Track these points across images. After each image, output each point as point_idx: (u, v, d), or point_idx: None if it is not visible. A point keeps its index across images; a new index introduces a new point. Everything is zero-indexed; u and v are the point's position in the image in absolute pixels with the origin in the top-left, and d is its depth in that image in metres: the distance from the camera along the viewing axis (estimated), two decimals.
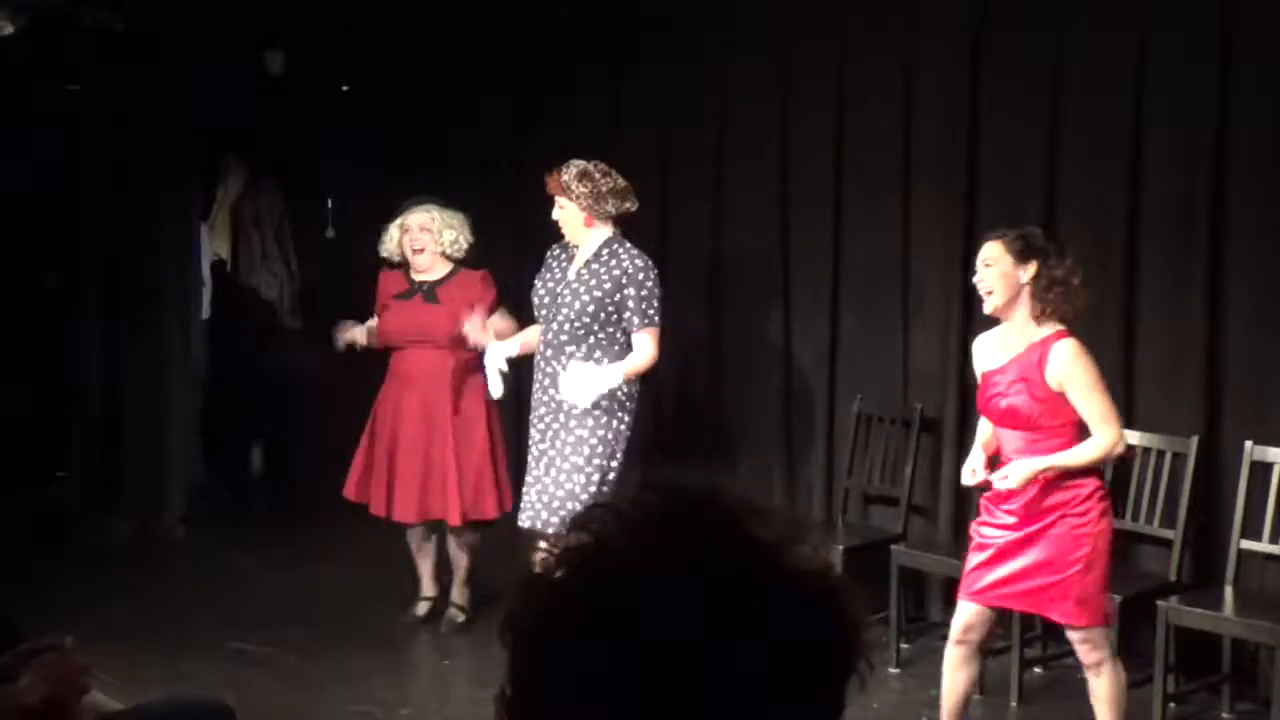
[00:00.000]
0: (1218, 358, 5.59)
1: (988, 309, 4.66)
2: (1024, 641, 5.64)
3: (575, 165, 5.69)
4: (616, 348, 5.62)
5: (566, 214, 5.69)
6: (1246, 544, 5.39)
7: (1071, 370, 4.50)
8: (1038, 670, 5.88)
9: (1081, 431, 4.58)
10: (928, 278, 6.40)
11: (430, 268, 6.35)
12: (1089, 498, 4.58)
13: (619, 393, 5.60)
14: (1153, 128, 5.69)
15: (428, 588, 6.61)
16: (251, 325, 9.34)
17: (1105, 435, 4.52)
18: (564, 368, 5.59)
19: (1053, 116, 5.94)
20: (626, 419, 5.65)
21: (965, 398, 6.28)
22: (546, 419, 5.69)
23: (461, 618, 6.47)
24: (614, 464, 5.62)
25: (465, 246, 6.36)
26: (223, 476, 9.14)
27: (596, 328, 5.61)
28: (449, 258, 6.36)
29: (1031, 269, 4.55)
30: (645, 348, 5.61)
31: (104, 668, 4.23)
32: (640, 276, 5.61)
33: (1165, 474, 5.63)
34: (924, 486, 6.44)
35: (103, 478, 8.03)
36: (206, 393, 9.01)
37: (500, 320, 6.27)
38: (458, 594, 6.51)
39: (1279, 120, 5.42)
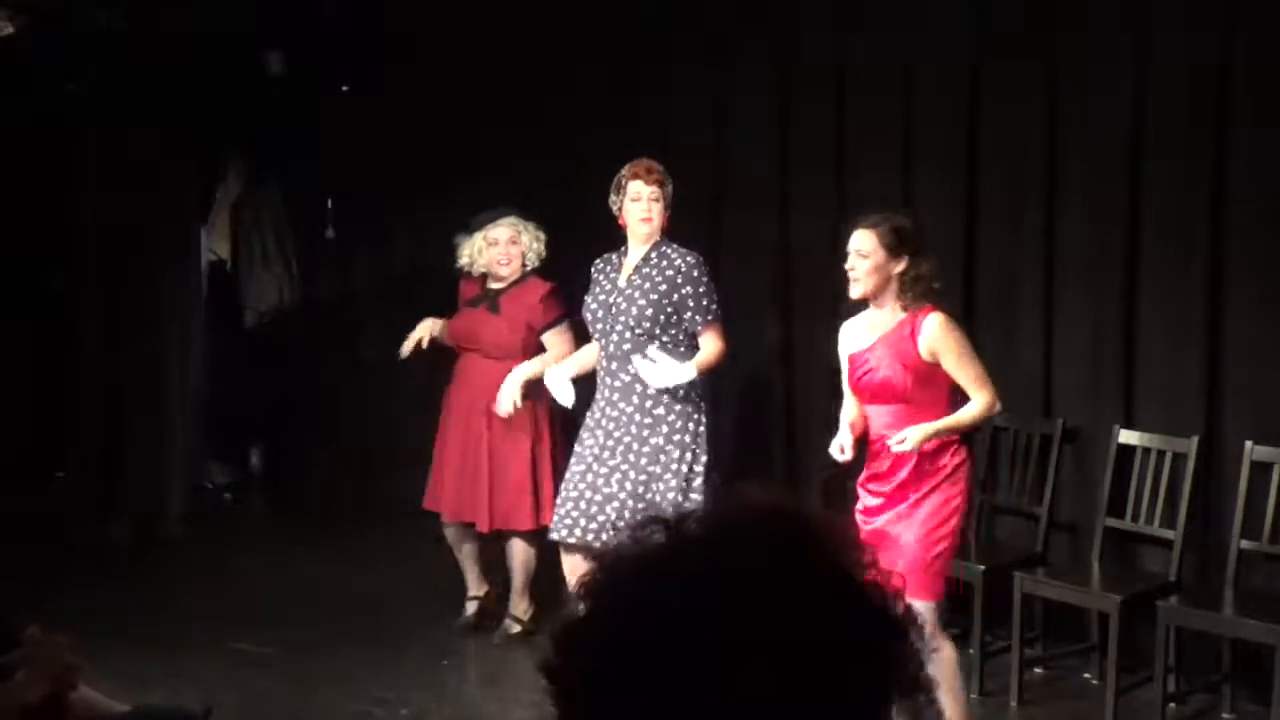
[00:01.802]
0: (1218, 358, 5.58)
1: (853, 294, 4.85)
2: (1024, 641, 5.64)
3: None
4: (682, 350, 5.55)
5: (660, 207, 5.63)
6: (1246, 544, 5.38)
7: (944, 339, 4.72)
8: (1038, 670, 5.88)
9: (953, 403, 4.79)
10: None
11: (509, 278, 6.32)
12: (958, 468, 4.77)
13: (693, 393, 5.51)
14: (1153, 128, 5.69)
15: (474, 587, 6.53)
16: (251, 325, 9.36)
17: (983, 396, 4.74)
18: (631, 378, 5.53)
19: (1053, 116, 5.94)
20: (701, 419, 5.56)
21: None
22: (615, 434, 5.56)
23: (516, 629, 6.33)
24: (698, 467, 5.52)
25: (544, 257, 6.34)
26: (223, 476, 9.14)
27: (658, 331, 5.53)
28: (523, 266, 6.34)
29: (902, 264, 4.77)
30: (713, 342, 5.59)
31: (104, 668, 4.23)
32: (695, 274, 5.56)
33: (1165, 474, 5.62)
34: None
35: (103, 478, 8.03)
36: (206, 393, 9.01)
37: (555, 337, 6.24)
38: (515, 604, 6.38)
39: (1279, 120, 5.42)
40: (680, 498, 5.45)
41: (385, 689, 5.76)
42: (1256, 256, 5.50)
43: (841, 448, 4.91)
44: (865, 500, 4.86)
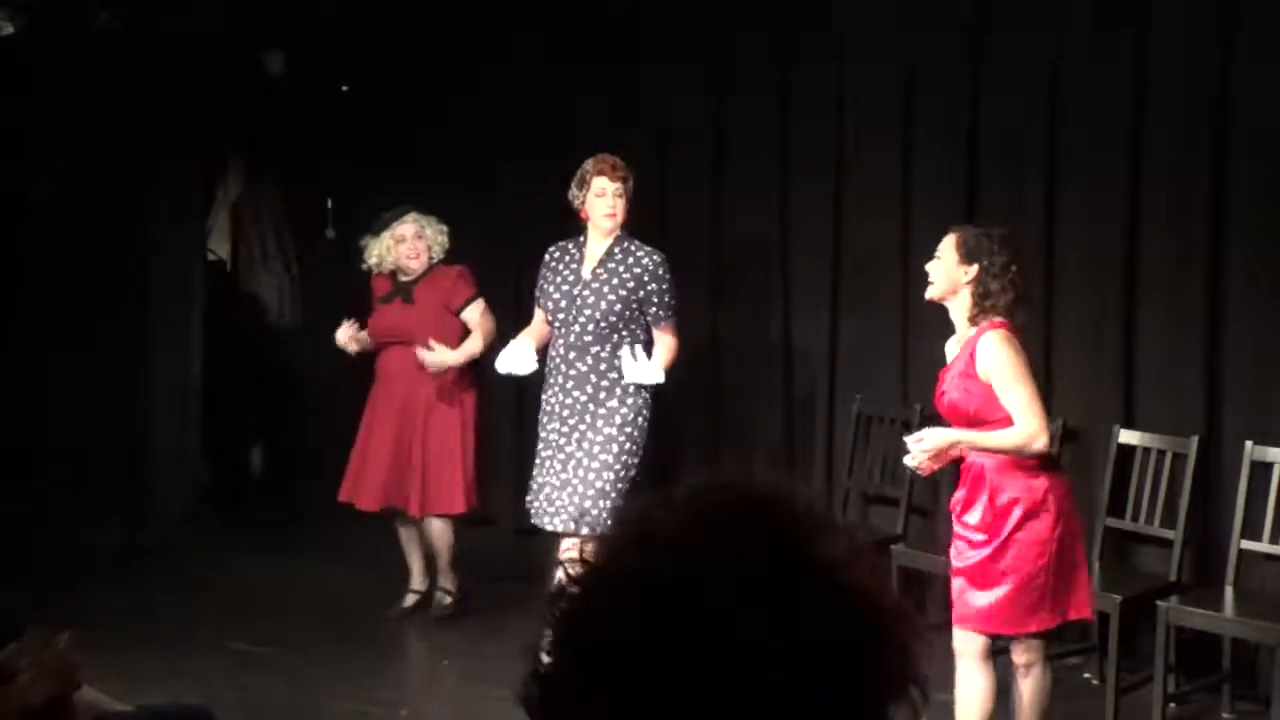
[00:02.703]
0: (1218, 358, 5.59)
1: (927, 295, 4.74)
2: None
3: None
4: (639, 345, 5.71)
5: (624, 201, 5.70)
6: (1246, 544, 5.38)
7: (997, 360, 4.49)
8: None
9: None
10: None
11: (417, 271, 6.53)
12: (1043, 499, 4.51)
13: (644, 391, 5.68)
14: (1153, 127, 5.69)
15: (416, 581, 6.71)
16: (251, 325, 9.35)
17: (1025, 425, 4.46)
18: (588, 368, 5.66)
19: (1053, 116, 5.94)
20: (647, 415, 5.72)
21: None
22: (570, 421, 5.70)
23: (448, 599, 6.59)
24: (635, 461, 5.70)
25: (447, 249, 6.56)
26: (222, 476, 9.13)
27: (620, 325, 5.67)
28: (430, 259, 6.56)
29: (972, 271, 4.58)
30: (670, 340, 5.78)
31: (104, 668, 4.23)
32: (660, 272, 5.70)
33: (1165, 474, 5.63)
34: (924, 486, 6.43)
35: (102, 478, 8.03)
36: (206, 393, 9.00)
37: (475, 314, 6.45)
38: (443, 579, 6.62)
39: (1279, 119, 5.42)
40: (622, 488, 5.58)
41: (385, 689, 5.76)
42: (1257, 256, 5.50)
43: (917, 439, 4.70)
44: (969, 534, 4.62)
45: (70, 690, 2.80)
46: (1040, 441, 4.49)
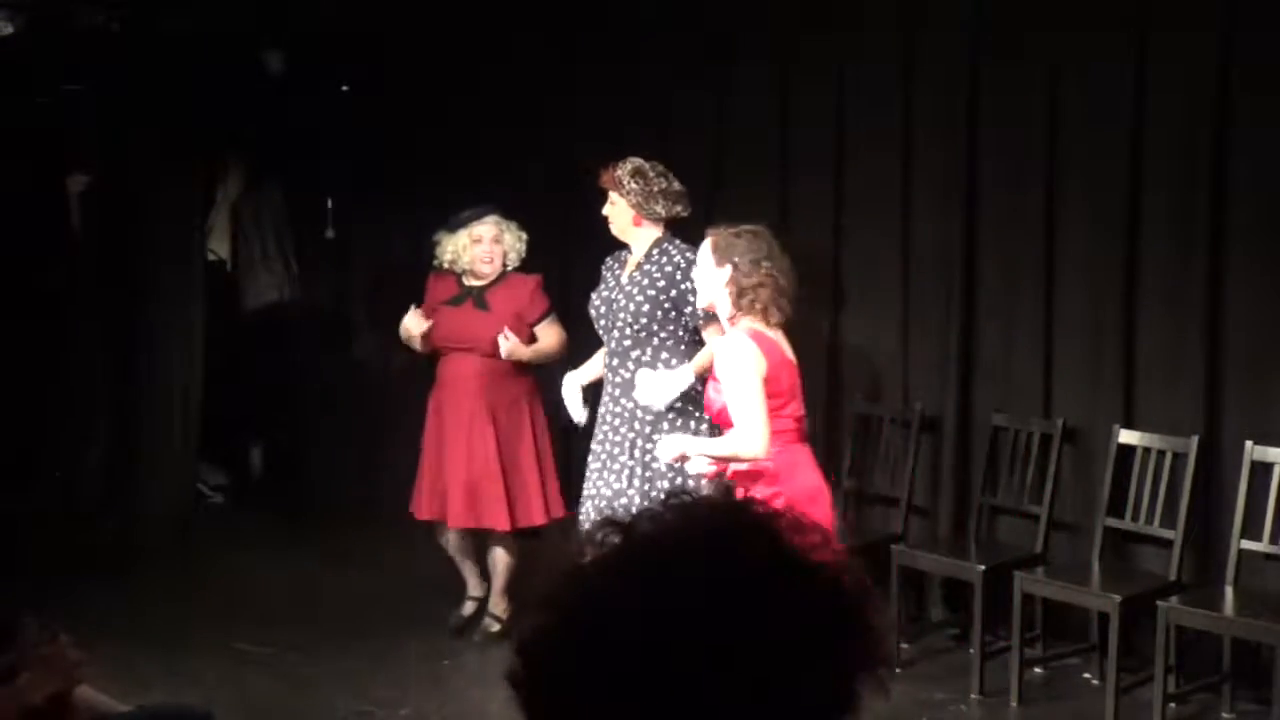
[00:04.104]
0: (1218, 358, 5.58)
1: (699, 305, 4.84)
2: (1024, 641, 5.64)
3: (631, 162, 5.65)
4: (683, 346, 5.56)
5: (616, 210, 5.62)
6: (1246, 544, 5.39)
7: (722, 364, 4.52)
8: (1038, 670, 5.88)
9: (786, 433, 4.55)
10: (928, 278, 6.40)
11: (490, 275, 6.30)
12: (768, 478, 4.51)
13: (692, 392, 5.43)
14: (1153, 127, 5.69)
15: (474, 587, 6.52)
16: (251, 325, 9.35)
17: (740, 433, 4.44)
18: (631, 374, 5.52)
19: (1053, 116, 5.94)
20: (702, 418, 5.46)
21: (965, 398, 6.29)
22: (621, 429, 5.55)
23: (496, 627, 6.34)
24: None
25: (523, 257, 6.34)
26: (223, 476, 9.13)
27: (656, 328, 5.54)
28: (504, 265, 6.33)
29: (726, 272, 4.61)
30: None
31: (104, 668, 4.23)
32: (693, 270, 5.52)
33: (1165, 474, 5.63)
34: (924, 486, 6.44)
35: (102, 477, 8.03)
36: (206, 393, 9.00)
37: (547, 329, 6.28)
38: (495, 603, 6.41)
39: (1279, 120, 5.42)
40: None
41: (385, 689, 5.76)
42: (1256, 256, 5.50)
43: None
44: None
45: (70, 688, 2.81)
46: (754, 451, 4.45)
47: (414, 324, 6.30)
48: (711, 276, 4.66)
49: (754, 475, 4.53)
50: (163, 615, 6.55)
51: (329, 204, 8.80)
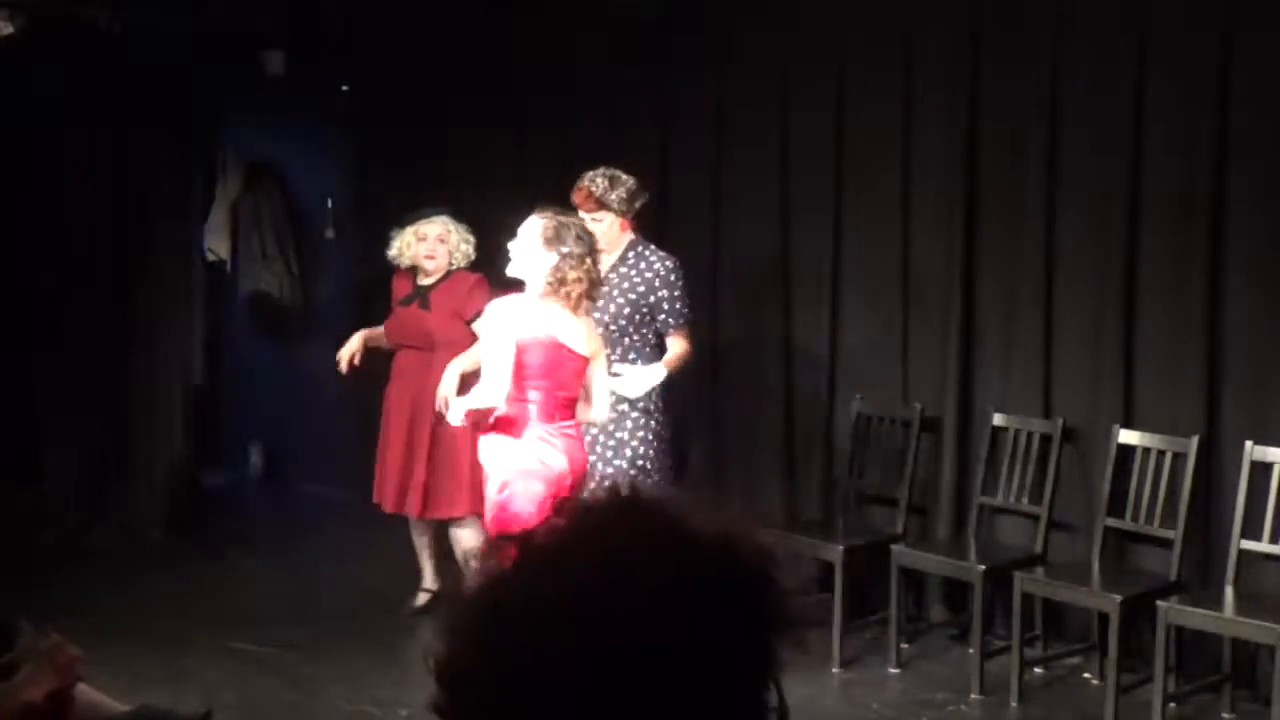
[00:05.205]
0: (1218, 358, 5.59)
1: (508, 271, 5.05)
2: (1024, 641, 5.64)
3: (599, 175, 5.67)
4: (649, 349, 5.72)
5: (605, 226, 5.62)
6: (1246, 544, 5.38)
7: (487, 321, 5.05)
8: (1038, 670, 5.88)
9: (523, 401, 4.93)
10: (928, 278, 6.40)
11: (435, 274, 6.54)
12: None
13: (653, 394, 5.64)
14: (1152, 126, 5.69)
15: (428, 580, 6.71)
16: (250, 325, 9.36)
17: (481, 383, 4.90)
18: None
19: (1053, 116, 5.94)
20: (661, 418, 5.72)
21: (965, 397, 6.29)
22: (593, 431, 5.60)
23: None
24: (656, 464, 5.69)
25: (471, 259, 6.55)
26: (222, 476, 9.14)
27: (631, 329, 5.68)
28: (449, 264, 6.56)
29: (552, 259, 4.89)
30: (682, 344, 5.76)
31: (104, 668, 4.23)
32: (672, 278, 5.72)
33: (1165, 474, 5.63)
34: (924, 486, 6.44)
35: (102, 477, 8.03)
36: (206, 393, 9.01)
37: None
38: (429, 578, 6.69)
39: (1279, 118, 5.42)
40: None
41: (385, 689, 5.76)
42: (1256, 256, 5.50)
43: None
44: None
45: (70, 685, 2.81)
46: (489, 400, 4.88)
47: (348, 344, 6.62)
48: (536, 259, 4.93)
49: (495, 422, 4.96)
50: (163, 615, 6.54)
51: (329, 204, 8.80)
